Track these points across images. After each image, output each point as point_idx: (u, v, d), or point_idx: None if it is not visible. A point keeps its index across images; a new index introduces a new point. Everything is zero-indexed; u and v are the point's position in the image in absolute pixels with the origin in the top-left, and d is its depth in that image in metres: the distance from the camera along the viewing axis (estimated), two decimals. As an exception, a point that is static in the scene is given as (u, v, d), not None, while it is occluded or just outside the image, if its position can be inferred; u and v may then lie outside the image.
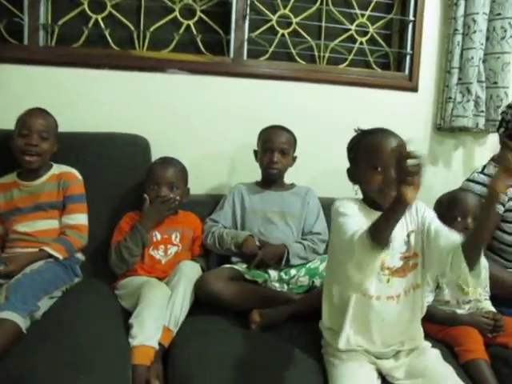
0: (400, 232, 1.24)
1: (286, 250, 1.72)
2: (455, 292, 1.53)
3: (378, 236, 1.01)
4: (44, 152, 1.68)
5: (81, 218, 1.72)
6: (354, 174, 1.32)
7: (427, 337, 1.35)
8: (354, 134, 1.36)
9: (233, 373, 1.23)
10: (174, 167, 1.80)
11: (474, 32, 2.14)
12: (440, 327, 1.48)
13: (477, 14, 2.13)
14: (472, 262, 1.11)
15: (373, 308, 1.23)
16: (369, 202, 1.27)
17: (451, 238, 1.18)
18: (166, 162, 1.82)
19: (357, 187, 1.31)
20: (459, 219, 1.54)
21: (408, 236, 1.26)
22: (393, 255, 1.23)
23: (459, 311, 1.52)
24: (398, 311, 1.25)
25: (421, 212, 1.28)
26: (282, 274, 1.70)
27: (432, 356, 1.28)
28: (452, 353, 1.41)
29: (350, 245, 1.08)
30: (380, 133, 1.27)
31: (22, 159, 1.66)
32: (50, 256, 1.57)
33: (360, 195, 1.31)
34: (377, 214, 1.18)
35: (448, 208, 1.58)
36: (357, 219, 1.18)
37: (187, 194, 1.86)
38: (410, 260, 1.25)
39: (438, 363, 1.25)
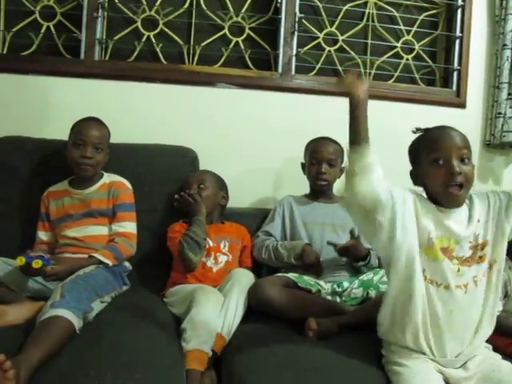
0: (467, 222, 1.23)
1: None
2: (525, 302, 1.44)
3: (353, 138, 1.15)
4: (98, 163, 1.70)
5: (130, 227, 1.71)
6: (416, 175, 1.30)
7: (496, 351, 1.26)
8: (416, 135, 1.33)
9: (291, 379, 1.17)
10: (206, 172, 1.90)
11: (524, 46, 2.12)
12: (510, 341, 1.38)
13: (526, 28, 2.11)
14: None
15: (440, 298, 1.19)
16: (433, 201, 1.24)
17: None
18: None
19: (421, 189, 1.29)
20: None
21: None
22: (462, 245, 1.22)
23: (528, 324, 1.42)
24: (466, 302, 1.20)
25: (493, 200, 1.25)
26: (335, 286, 1.64)
27: (505, 369, 1.19)
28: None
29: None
30: (440, 128, 1.27)
31: (77, 170, 1.70)
32: (100, 262, 1.56)
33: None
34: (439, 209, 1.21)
35: None
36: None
37: (224, 197, 1.88)
38: (478, 250, 1.22)
39: None
